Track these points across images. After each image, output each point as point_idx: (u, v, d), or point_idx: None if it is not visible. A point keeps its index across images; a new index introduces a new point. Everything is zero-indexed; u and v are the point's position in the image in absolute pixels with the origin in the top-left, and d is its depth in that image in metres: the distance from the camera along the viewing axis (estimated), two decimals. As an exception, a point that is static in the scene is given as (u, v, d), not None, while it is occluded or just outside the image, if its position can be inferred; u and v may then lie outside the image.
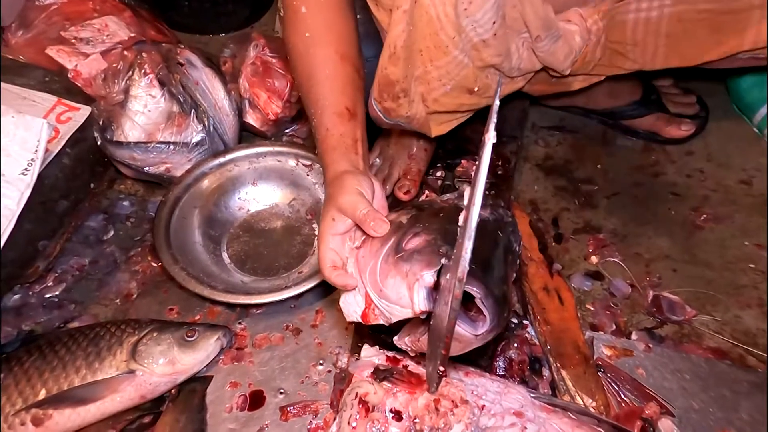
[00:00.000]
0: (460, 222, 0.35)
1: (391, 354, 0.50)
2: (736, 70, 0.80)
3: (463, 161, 0.76)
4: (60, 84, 0.69)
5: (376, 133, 0.77)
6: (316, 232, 0.71)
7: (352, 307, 0.46)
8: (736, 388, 0.54)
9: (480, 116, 0.65)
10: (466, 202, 0.34)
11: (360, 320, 0.45)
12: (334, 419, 0.50)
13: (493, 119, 0.33)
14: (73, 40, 0.70)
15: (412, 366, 0.49)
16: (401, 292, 0.40)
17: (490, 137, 0.32)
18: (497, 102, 0.33)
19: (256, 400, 0.56)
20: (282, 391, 0.56)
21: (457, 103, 0.58)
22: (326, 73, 0.51)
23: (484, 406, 0.46)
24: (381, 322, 0.44)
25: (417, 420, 0.45)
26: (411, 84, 0.54)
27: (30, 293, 0.65)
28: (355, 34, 0.55)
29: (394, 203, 0.74)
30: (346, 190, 0.45)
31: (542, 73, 0.61)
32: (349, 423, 0.45)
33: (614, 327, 0.61)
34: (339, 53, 0.52)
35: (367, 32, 0.73)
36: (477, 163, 0.34)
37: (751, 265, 0.65)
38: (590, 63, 0.59)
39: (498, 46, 0.52)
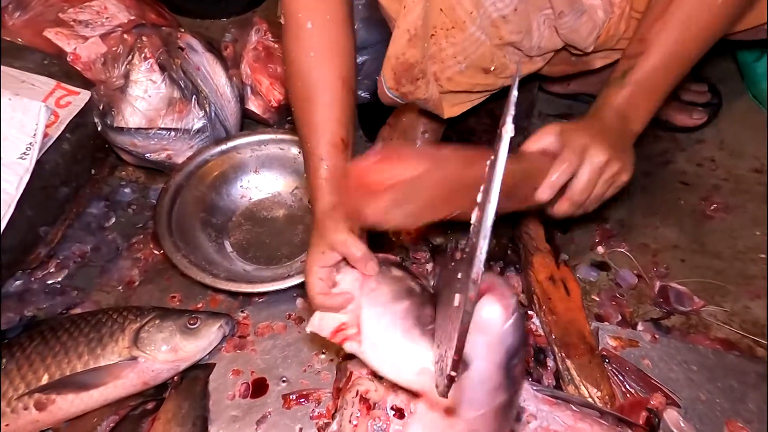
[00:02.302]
0: (473, 220, 0.34)
1: None
2: (749, 52, 0.77)
3: (469, 155, 0.75)
4: (59, 67, 0.68)
5: (377, 124, 0.75)
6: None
7: (328, 321, 0.46)
8: (743, 379, 0.53)
9: (488, 108, 0.64)
10: (480, 198, 0.33)
11: (326, 336, 0.45)
12: (337, 408, 0.50)
13: (511, 111, 0.31)
14: (72, 23, 0.68)
15: None
16: (409, 362, 0.40)
17: (507, 130, 0.31)
18: (515, 92, 0.32)
19: (258, 388, 0.56)
20: (284, 379, 0.56)
21: (472, 83, 0.56)
22: (326, 100, 0.50)
23: None
24: (348, 349, 0.44)
25: None
26: (427, 64, 0.53)
27: (32, 279, 0.65)
28: (355, 50, 0.54)
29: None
30: (339, 227, 0.45)
31: (563, 52, 0.59)
32: (350, 421, 0.45)
33: (620, 317, 0.60)
34: (341, 77, 0.51)
35: (370, 18, 0.71)
36: (492, 158, 0.32)
37: (762, 255, 0.64)
38: (614, 37, 0.57)
39: (518, 22, 0.51)
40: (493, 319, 0.41)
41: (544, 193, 0.44)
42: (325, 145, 0.49)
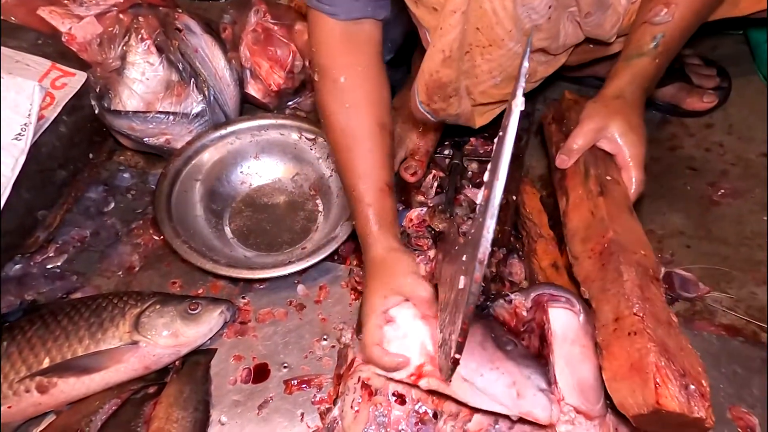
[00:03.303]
0: (480, 200, 0.33)
1: None
2: (760, 32, 0.76)
3: (471, 139, 0.74)
4: (54, 48, 0.66)
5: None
6: (320, 208, 0.70)
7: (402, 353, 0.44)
8: (747, 365, 0.53)
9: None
10: (487, 177, 0.32)
11: (399, 378, 0.44)
12: (338, 394, 0.50)
13: (521, 84, 0.30)
14: (66, 1, 0.67)
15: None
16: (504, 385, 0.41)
17: (518, 104, 0.30)
18: (526, 64, 0.31)
19: (260, 374, 0.56)
20: (286, 365, 0.56)
21: (505, 93, 0.57)
22: (368, 147, 0.51)
23: None
24: (425, 386, 0.43)
25: (420, 403, 0.44)
26: (461, 81, 0.53)
27: (31, 263, 0.64)
28: (389, 93, 0.55)
29: (399, 184, 0.72)
30: (403, 270, 0.47)
31: (582, 43, 0.58)
32: (351, 407, 0.45)
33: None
34: (379, 123, 0.52)
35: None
36: (501, 134, 0.31)
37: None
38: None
39: (549, 29, 0.51)
40: (569, 324, 0.42)
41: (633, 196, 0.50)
42: (372, 192, 0.50)
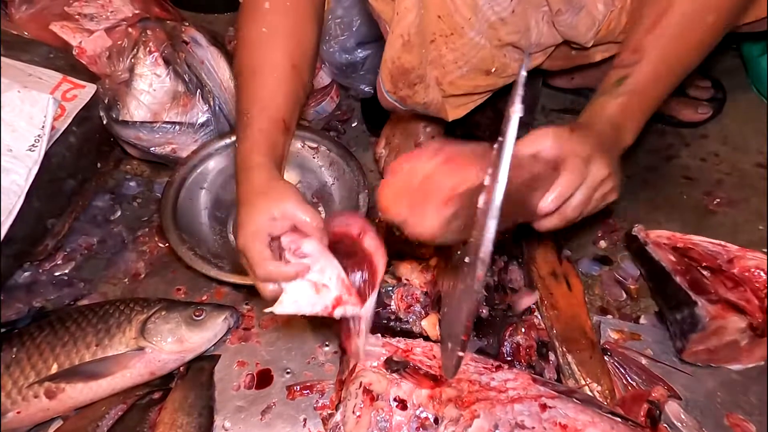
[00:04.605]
0: (481, 204, 0.34)
1: (393, 341, 0.50)
2: (755, 46, 0.77)
3: (472, 146, 0.75)
4: (65, 61, 0.68)
5: (381, 119, 0.76)
6: (323, 215, 0.71)
7: (310, 298, 0.42)
8: (745, 372, 0.54)
9: (491, 102, 0.64)
10: (488, 181, 0.33)
11: (311, 313, 0.42)
12: (340, 399, 0.50)
13: (519, 92, 0.31)
14: (77, 16, 0.69)
15: (423, 358, 0.48)
16: None
17: (516, 110, 0.31)
18: (524, 73, 0.32)
19: (263, 379, 0.56)
20: (289, 370, 0.57)
21: (474, 85, 0.57)
22: (275, 77, 0.49)
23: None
24: (339, 315, 0.42)
25: (421, 408, 0.45)
26: (426, 69, 0.53)
27: (40, 271, 0.65)
28: (315, 43, 0.53)
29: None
30: (289, 196, 0.43)
31: (563, 46, 0.59)
32: (353, 412, 0.45)
33: (624, 295, 0.61)
34: (292, 64, 0.50)
35: (365, 17, 0.71)
36: (500, 139, 0.32)
37: (764, 250, 0.64)
38: (615, 30, 0.56)
39: (516, 23, 0.51)
40: None
41: (548, 205, 0.38)
42: (267, 121, 0.47)
